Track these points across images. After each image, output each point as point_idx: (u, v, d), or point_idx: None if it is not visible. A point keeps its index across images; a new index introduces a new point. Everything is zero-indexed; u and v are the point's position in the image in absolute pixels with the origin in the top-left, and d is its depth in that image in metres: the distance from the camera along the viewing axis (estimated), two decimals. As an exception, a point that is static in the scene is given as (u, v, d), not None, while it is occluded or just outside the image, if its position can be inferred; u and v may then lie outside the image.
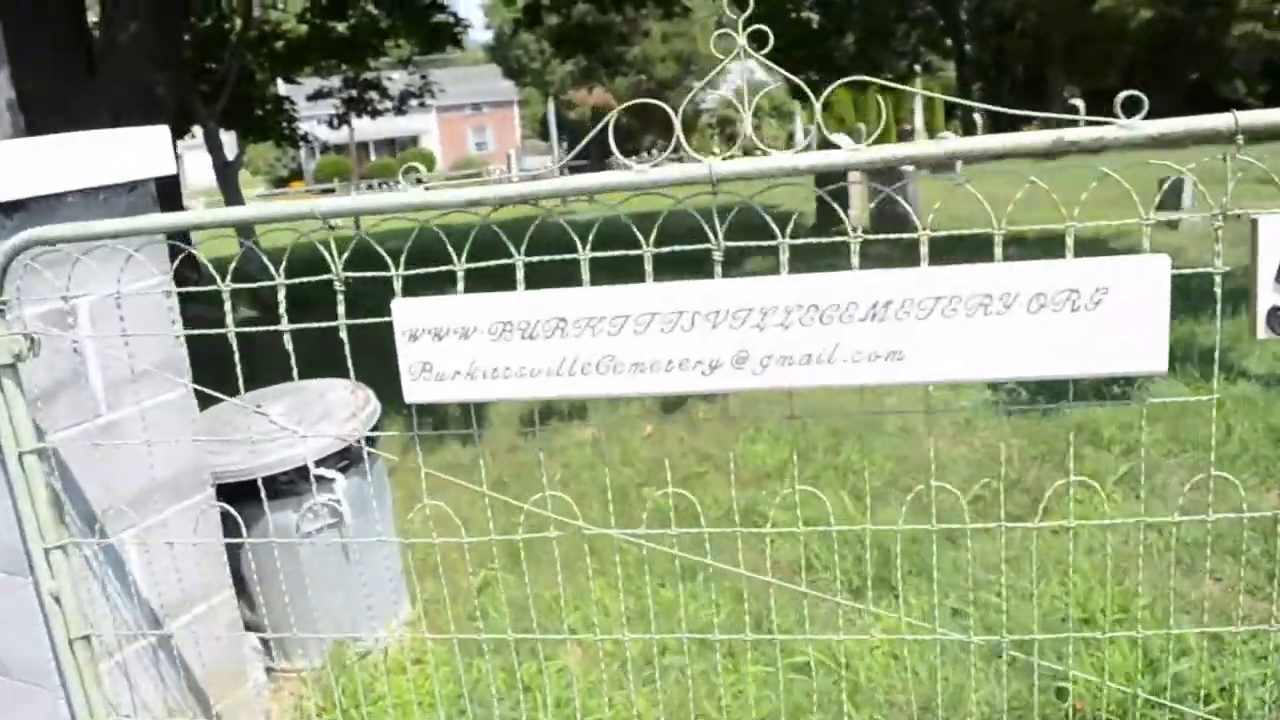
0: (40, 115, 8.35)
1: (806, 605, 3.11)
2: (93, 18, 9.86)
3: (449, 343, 1.84)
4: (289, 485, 3.06)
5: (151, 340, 2.55)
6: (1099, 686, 2.41)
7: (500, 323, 1.81)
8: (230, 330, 2.00)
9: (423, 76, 21.31)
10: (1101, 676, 2.39)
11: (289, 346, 1.97)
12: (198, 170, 26.93)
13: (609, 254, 1.81)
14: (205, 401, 2.78)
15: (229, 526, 2.63)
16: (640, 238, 1.79)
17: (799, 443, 4.09)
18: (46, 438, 2.26)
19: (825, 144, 1.78)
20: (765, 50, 1.70)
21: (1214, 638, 2.79)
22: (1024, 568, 3.24)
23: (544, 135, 54.16)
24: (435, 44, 17.64)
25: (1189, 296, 4.30)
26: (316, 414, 3.22)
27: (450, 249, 1.88)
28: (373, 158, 53.25)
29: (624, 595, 3.24)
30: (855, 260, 1.74)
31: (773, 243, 1.76)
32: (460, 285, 1.86)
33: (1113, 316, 1.57)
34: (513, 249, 1.85)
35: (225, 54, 16.04)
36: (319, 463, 3.08)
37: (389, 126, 44.68)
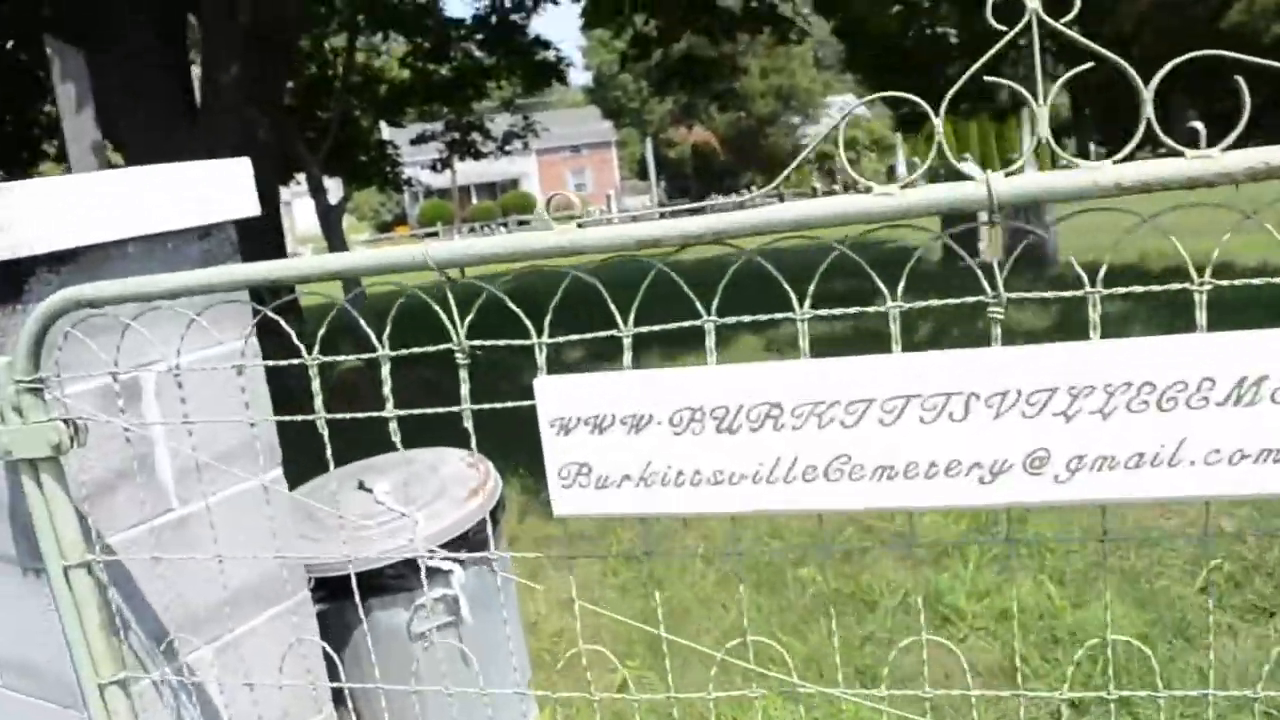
0: (142, 162, 8.21)
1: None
2: (196, 71, 9.75)
3: (614, 436, 1.32)
4: (397, 580, 2.58)
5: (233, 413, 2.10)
6: None
7: (687, 409, 1.28)
8: (320, 417, 1.53)
9: (525, 117, 21.20)
10: None
11: (393, 424, 1.49)
12: (304, 216, 27.28)
13: (841, 311, 1.29)
14: (294, 477, 2.35)
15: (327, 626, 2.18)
16: (884, 288, 1.26)
17: (980, 514, 3.50)
18: (103, 542, 1.82)
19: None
20: (1067, 19, 1.18)
21: None
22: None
23: (642, 175, 54.07)
24: (539, 82, 17.45)
25: None
26: (430, 492, 2.73)
27: (612, 305, 1.37)
28: (474, 201, 53.67)
29: (794, 705, 2.69)
30: (1202, 318, 1.19)
31: (1080, 293, 1.23)
32: (627, 356, 1.36)
33: None
34: (700, 306, 1.34)
35: (330, 101, 16.08)
36: (432, 552, 2.58)
37: (489, 170, 44.97)
